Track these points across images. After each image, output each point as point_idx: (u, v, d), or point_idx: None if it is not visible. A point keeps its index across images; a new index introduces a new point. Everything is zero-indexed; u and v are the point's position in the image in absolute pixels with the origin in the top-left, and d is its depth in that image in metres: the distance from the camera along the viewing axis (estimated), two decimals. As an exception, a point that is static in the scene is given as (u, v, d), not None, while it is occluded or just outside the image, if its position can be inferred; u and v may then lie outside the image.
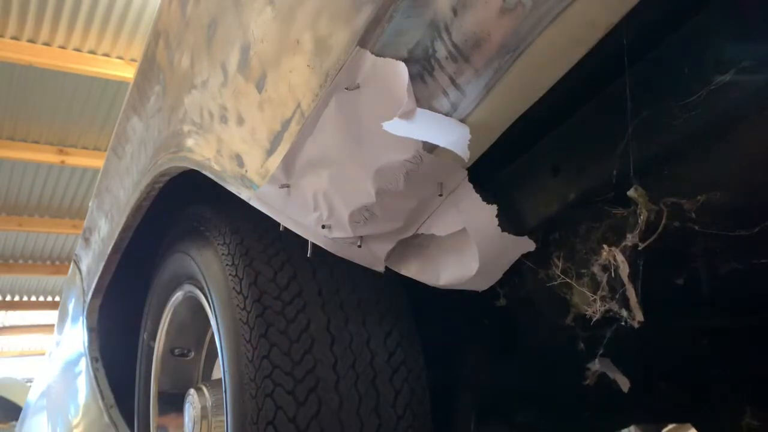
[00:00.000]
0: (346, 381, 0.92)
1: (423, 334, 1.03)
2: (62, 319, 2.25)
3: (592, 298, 0.71)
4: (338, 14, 0.66)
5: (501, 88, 0.58)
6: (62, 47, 5.01)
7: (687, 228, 0.65)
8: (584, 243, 0.74)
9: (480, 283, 0.78)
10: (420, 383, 0.99)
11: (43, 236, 7.74)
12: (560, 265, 0.76)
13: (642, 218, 0.64)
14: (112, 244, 1.49)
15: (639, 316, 0.66)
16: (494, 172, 0.79)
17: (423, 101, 0.62)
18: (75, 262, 2.03)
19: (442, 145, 0.61)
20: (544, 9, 0.51)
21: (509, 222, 0.73)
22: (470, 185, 0.69)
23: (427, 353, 1.02)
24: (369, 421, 0.92)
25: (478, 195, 0.69)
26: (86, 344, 1.80)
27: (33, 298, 9.69)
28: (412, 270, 0.81)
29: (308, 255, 0.84)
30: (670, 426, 2.15)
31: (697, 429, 1.49)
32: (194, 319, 1.40)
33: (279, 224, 0.87)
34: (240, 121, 0.86)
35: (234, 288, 0.98)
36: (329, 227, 0.79)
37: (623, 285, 0.66)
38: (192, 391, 1.26)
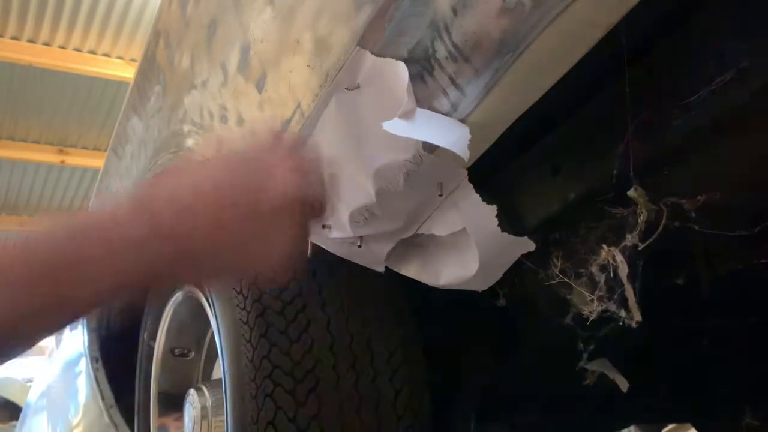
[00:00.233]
0: (346, 381, 0.92)
1: (423, 334, 1.03)
2: (62, 319, 2.24)
3: (590, 298, 0.71)
4: (338, 14, 0.66)
5: (501, 88, 0.58)
6: (62, 47, 5.01)
7: (687, 228, 0.65)
8: (584, 243, 0.74)
9: (480, 283, 0.78)
10: (420, 383, 0.99)
11: (43, 236, 7.73)
12: (559, 264, 0.76)
13: (642, 218, 0.64)
14: (112, 244, 1.49)
15: (637, 316, 0.66)
16: (494, 172, 0.79)
17: (423, 101, 0.62)
18: (75, 262, 2.02)
19: (442, 145, 0.61)
20: (544, 9, 0.51)
21: (509, 222, 0.73)
22: (470, 185, 0.69)
23: (427, 353, 1.02)
24: (369, 421, 0.92)
25: (478, 195, 0.69)
26: (86, 344, 1.80)
27: (33, 298, 9.68)
28: (412, 270, 0.81)
29: (308, 255, 0.84)
30: (670, 426, 2.15)
31: (697, 429, 1.49)
32: (194, 319, 1.40)
33: (279, 224, 0.87)
34: (240, 121, 0.86)
35: (234, 288, 0.98)
36: (329, 227, 0.79)
37: (622, 285, 0.66)
38: (192, 391, 1.26)
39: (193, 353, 1.49)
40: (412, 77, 0.61)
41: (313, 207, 0.62)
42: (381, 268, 0.82)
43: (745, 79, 0.57)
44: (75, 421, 2.04)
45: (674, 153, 0.65)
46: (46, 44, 4.95)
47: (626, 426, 1.74)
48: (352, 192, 0.73)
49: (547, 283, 0.77)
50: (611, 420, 1.43)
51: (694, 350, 1.11)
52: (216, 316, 1.03)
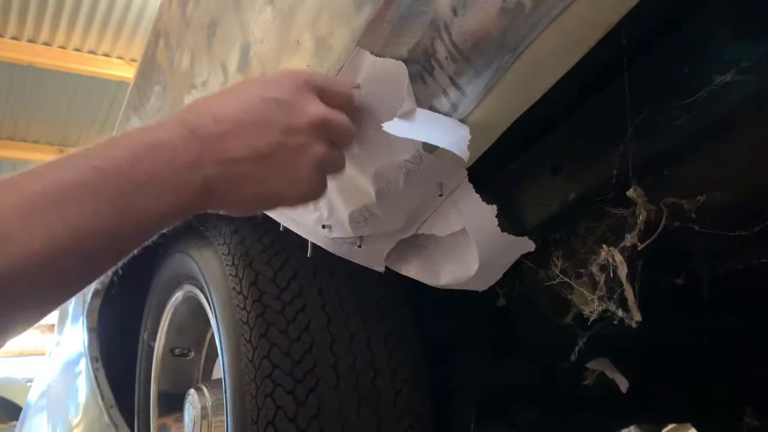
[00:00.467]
0: (346, 381, 0.92)
1: (423, 334, 1.03)
2: (62, 319, 2.24)
3: (590, 298, 0.71)
4: (338, 14, 0.66)
5: (501, 88, 0.58)
6: (62, 47, 5.02)
7: (687, 228, 0.65)
8: (584, 243, 0.74)
9: (480, 283, 0.78)
10: (420, 383, 0.99)
11: (43, 236, 7.73)
12: (559, 264, 0.76)
13: (641, 218, 0.64)
14: (112, 244, 1.49)
15: (637, 316, 0.66)
16: (494, 172, 0.79)
17: (423, 101, 0.62)
18: (75, 262, 2.02)
19: (441, 145, 0.61)
20: (544, 9, 0.51)
21: (509, 222, 0.73)
22: (470, 185, 0.69)
23: (428, 353, 1.02)
24: (369, 421, 0.92)
25: (478, 195, 0.69)
26: (86, 344, 1.80)
27: (33, 298, 9.67)
28: (412, 270, 0.81)
29: (308, 255, 0.85)
30: (670, 426, 2.15)
31: (697, 429, 1.49)
32: (194, 319, 1.40)
33: (279, 224, 0.87)
34: (240, 121, 0.86)
35: (234, 288, 0.98)
36: (329, 227, 0.79)
37: (622, 285, 0.66)
38: (192, 391, 1.26)
39: (193, 353, 1.49)
40: (412, 77, 0.61)
41: (341, 135, 0.63)
42: (381, 268, 0.82)
43: (745, 80, 0.57)
44: (75, 421, 2.04)
45: (674, 153, 0.65)
46: (46, 44, 4.95)
47: (626, 426, 1.74)
48: (352, 192, 0.73)
49: (547, 283, 0.77)
50: (611, 420, 1.43)
51: (694, 350, 1.11)
52: (216, 316, 1.03)
